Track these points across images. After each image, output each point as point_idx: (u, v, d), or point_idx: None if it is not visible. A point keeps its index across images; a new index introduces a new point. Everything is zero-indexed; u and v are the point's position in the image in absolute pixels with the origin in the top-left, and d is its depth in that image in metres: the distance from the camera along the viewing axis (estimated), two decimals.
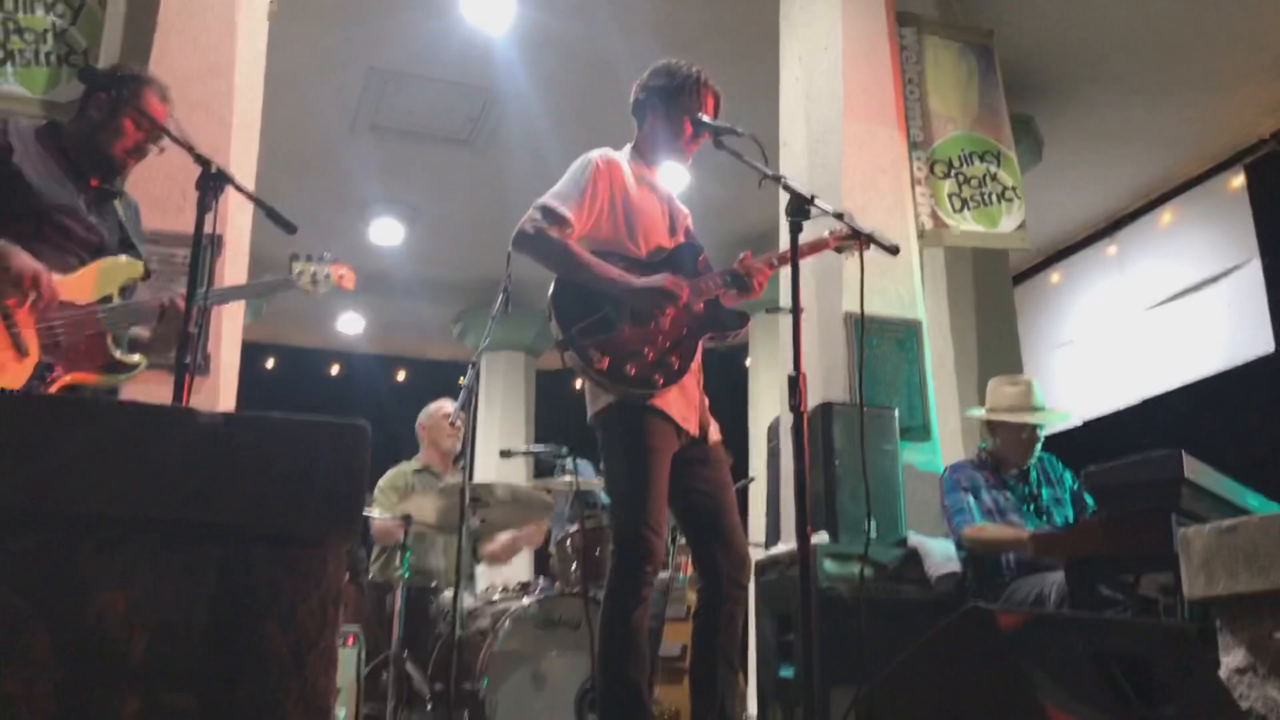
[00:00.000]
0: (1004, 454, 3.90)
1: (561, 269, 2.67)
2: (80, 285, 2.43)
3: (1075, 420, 4.15)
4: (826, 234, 2.78)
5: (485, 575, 5.21)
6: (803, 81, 4.98)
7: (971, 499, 3.76)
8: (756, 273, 2.73)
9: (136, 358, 2.51)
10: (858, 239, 2.58)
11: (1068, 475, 3.95)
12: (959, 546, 3.70)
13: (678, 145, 2.84)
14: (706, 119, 2.75)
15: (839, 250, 2.82)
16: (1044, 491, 3.89)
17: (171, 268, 3.43)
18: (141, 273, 2.57)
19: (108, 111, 2.54)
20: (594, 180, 2.72)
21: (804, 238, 2.43)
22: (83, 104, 2.61)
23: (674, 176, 2.98)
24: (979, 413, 4.04)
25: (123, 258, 2.54)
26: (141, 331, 2.62)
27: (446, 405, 4.70)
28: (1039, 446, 3.90)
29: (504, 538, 4.62)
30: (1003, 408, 3.91)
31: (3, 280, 2.27)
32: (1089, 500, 3.71)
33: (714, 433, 2.77)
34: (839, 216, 2.52)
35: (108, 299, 2.47)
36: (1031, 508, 3.83)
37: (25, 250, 2.33)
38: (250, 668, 1.19)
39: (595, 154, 2.79)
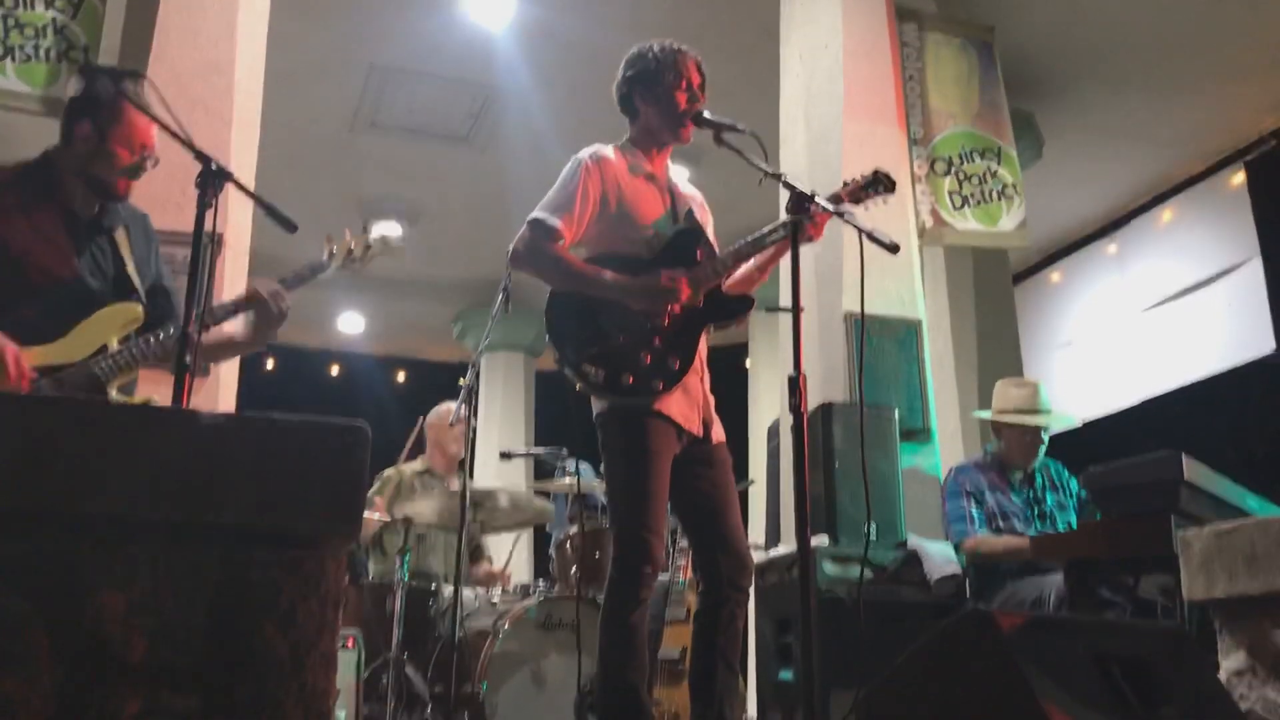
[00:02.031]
0: (1009, 456, 3.90)
1: (558, 282, 2.67)
2: (69, 346, 2.33)
3: (1075, 420, 4.13)
4: (842, 185, 2.76)
5: None
6: (803, 79, 4.98)
7: (974, 506, 3.75)
8: (816, 216, 2.56)
9: (141, 400, 2.44)
10: (869, 193, 2.68)
11: (1074, 482, 3.94)
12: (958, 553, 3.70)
13: (675, 126, 2.78)
14: (708, 115, 2.72)
15: (855, 200, 2.74)
16: (1049, 496, 3.88)
17: (171, 266, 3.42)
18: (139, 315, 2.45)
19: (95, 139, 2.42)
20: (584, 182, 2.71)
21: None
22: (66, 133, 2.45)
23: (674, 174, 2.97)
24: (985, 414, 4.04)
25: (111, 307, 2.42)
26: (230, 329, 2.54)
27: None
28: (1044, 449, 3.90)
29: (486, 569, 4.64)
30: (1009, 409, 3.90)
31: None
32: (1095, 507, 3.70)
33: (717, 432, 2.76)
34: (839, 215, 2.51)
35: (103, 349, 2.36)
36: (1035, 512, 3.82)
37: (9, 318, 2.25)
38: (250, 669, 1.18)
39: (585, 154, 2.77)
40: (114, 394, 2.37)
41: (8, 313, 2.28)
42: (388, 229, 2.83)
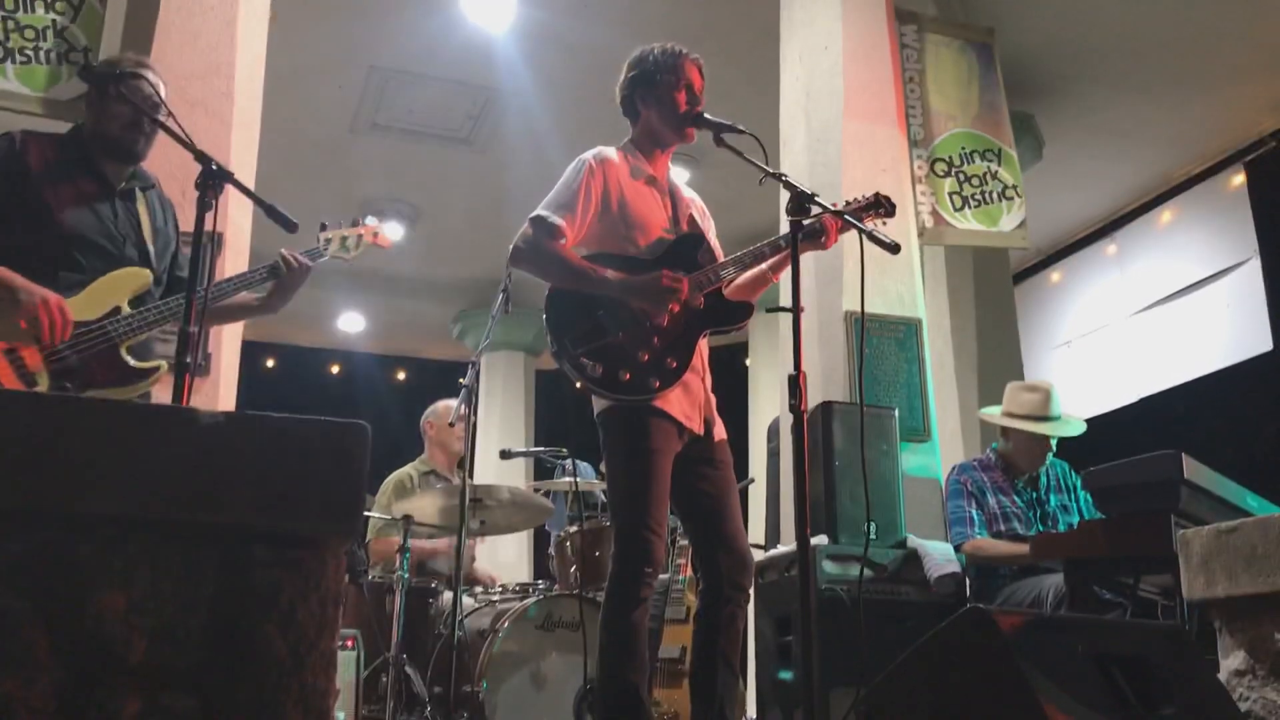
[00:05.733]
0: (1016, 458, 3.88)
1: (558, 279, 2.67)
2: (87, 303, 2.43)
3: (1084, 427, 4.07)
4: (845, 204, 2.78)
5: None
6: (803, 80, 4.97)
7: (974, 506, 3.73)
8: (826, 223, 2.66)
9: (154, 363, 2.52)
10: (869, 214, 2.71)
11: (1080, 484, 3.91)
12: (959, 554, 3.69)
13: (676, 125, 2.79)
14: (708, 116, 2.73)
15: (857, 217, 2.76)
16: (1052, 498, 3.86)
17: None
18: (148, 280, 2.56)
19: (97, 97, 2.59)
20: (586, 182, 2.71)
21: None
22: (86, 103, 2.66)
23: (674, 178, 2.97)
24: (994, 412, 4.01)
25: (123, 270, 2.53)
26: (247, 297, 2.68)
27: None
28: (1052, 455, 3.88)
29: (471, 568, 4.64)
30: (1020, 414, 3.87)
31: (16, 316, 2.27)
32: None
33: (719, 431, 2.76)
34: (839, 215, 2.52)
35: (116, 310, 2.46)
36: (1038, 514, 3.80)
37: (45, 275, 2.36)
38: (249, 669, 1.18)
39: (589, 155, 2.78)
40: (124, 354, 2.46)
41: (48, 274, 2.39)
42: (388, 230, 2.88)
